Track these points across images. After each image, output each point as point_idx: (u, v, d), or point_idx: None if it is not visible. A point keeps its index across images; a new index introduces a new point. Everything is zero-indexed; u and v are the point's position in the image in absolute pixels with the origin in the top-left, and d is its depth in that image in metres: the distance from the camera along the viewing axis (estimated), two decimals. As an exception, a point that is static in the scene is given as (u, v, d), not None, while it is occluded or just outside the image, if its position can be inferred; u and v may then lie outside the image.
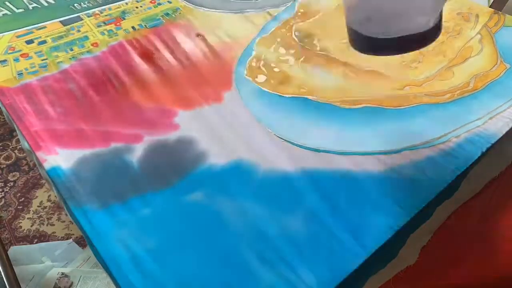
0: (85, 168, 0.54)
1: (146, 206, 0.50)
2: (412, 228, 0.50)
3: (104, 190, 0.52)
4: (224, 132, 0.58)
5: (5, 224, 1.02)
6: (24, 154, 1.17)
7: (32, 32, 0.76)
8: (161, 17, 0.78)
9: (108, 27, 0.76)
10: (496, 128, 0.55)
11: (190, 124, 0.59)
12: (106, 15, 0.79)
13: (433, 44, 0.69)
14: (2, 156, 1.18)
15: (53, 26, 0.77)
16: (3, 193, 1.09)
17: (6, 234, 1.05)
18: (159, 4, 0.81)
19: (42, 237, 1.10)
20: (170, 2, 0.82)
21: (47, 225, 1.12)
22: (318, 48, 0.70)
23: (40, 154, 0.56)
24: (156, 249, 0.47)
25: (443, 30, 0.71)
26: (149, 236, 0.48)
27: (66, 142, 0.58)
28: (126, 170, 0.54)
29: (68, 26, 0.77)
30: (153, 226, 0.49)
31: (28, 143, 0.58)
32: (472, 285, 0.49)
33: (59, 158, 0.55)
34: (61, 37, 0.75)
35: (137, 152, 0.56)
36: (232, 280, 0.44)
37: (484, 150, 0.53)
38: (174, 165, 0.54)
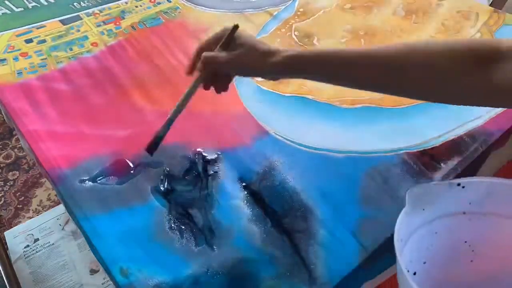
0: (85, 169, 0.54)
1: (146, 208, 0.51)
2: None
3: (104, 191, 0.52)
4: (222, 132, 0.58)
5: (5, 223, 1.02)
6: (24, 153, 1.17)
7: (31, 31, 0.76)
8: (160, 17, 0.78)
9: (107, 27, 0.76)
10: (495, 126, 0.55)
11: (188, 124, 0.59)
12: (105, 15, 0.79)
13: (433, 43, 0.69)
14: (2, 155, 1.18)
15: (53, 25, 0.77)
16: (2, 192, 1.09)
17: (6, 233, 1.05)
18: (159, 3, 0.81)
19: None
20: (169, 1, 0.81)
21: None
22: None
23: (39, 154, 0.56)
24: (155, 249, 0.47)
25: (443, 28, 0.71)
26: (149, 237, 0.48)
27: (65, 142, 0.57)
28: (126, 171, 0.54)
29: (68, 26, 0.77)
30: (153, 228, 0.49)
31: (27, 142, 0.58)
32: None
33: (59, 158, 0.55)
34: (60, 37, 0.75)
35: (137, 154, 0.56)
36: (231, 281, 0.44)
37: (484, 148, 0.53)
38: (172, 168, 0.54)
